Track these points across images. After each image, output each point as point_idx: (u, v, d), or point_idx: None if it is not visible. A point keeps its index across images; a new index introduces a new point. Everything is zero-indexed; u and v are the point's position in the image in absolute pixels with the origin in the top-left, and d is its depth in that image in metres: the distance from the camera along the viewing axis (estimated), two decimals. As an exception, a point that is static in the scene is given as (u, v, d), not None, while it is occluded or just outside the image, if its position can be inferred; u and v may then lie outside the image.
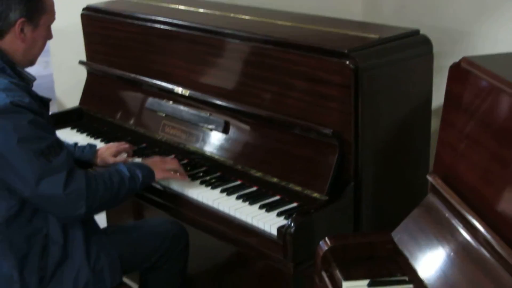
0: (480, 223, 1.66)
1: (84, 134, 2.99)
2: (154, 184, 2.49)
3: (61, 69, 3.64)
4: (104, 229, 2.43)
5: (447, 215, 1.82)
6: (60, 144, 2.15)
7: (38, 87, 2.30)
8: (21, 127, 2.05)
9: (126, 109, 2.97)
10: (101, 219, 3.50)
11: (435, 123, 2.38)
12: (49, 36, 2.30)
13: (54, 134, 2.19)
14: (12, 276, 2.15)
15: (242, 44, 2.47)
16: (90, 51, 3.18)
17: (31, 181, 2.06)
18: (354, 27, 2.45)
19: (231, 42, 2.51)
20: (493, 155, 1.67)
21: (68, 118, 3.14)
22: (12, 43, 2.19)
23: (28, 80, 2.25)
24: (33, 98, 2.15)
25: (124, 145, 2.71)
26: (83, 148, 2.65)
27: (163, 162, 2.45)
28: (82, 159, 2.63)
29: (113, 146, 2.69)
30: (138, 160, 2.68)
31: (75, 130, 3.05)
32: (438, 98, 2.28)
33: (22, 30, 2.18)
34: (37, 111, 2.12)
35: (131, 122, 2.92)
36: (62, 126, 3.09)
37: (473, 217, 1.69)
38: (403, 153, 2.37)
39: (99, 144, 2.85)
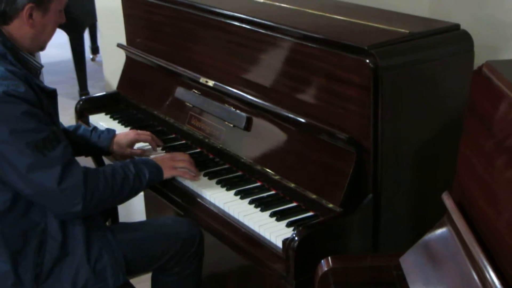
0: (491, 268, 1.39)
1: (116, 121, 2.88)
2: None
3: (110, 50, 3.54)
4: (111, 227, 2.31)
5: (457, 246, 1.56)
6: (58, 137, 2.03)
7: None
8: (13, 117, 1.95)
9: (159, 96, 2.82)
10: (141, 215, 3.43)
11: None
12: (60, 19, 2.19)
13: (54, 126, 2.08)
14: (6, 272, 2.06)
15: (264, 35, 2.26)
16: (129, 34, 3.06)
17: (23, 174, 1.96)
18: (389, 19, 2.18)
19: (254, 31, 2.30)
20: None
21: (105, 102, 3.04)
22: (20, 28, 2.09)
23: (34, 68, 2.15)
24: (33, 88, 2.03)
25: (145, 135, 2.56)
26: (100, 133, 2.54)
27: (173, 159, 2.30)
28: (99, 145, 2.52)
29: (132, 133, 2.56)
30: (159, 151, 2.54)
31: (108, 116, 2.95)
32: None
33: (30, 15, 2.08)
34: (34, 101, 2.01)
35: (162, 110, 2.78)
36: (98, 110, 3.00)
37: (485, 260, 1.41)
38: (432, 165, 2.09)
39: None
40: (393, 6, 2.43)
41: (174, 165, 2.28)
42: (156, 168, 2.22)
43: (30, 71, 2.12)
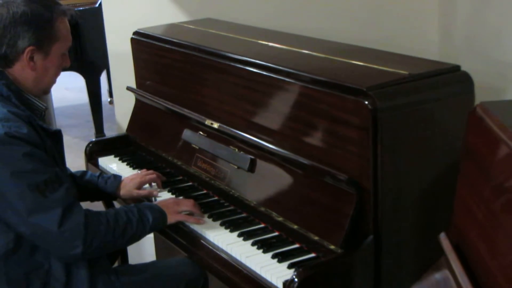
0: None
1: (125, 164, 2.91)
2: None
3: (121, 93, 3.59)
4: (116, 268, 2.31)
5: (454, 288, 1.55)
6: (60, 179, 2.05)
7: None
8: (15, 159, 1.98)
9: (167, 139, 2.85)
10: (151, 256, 3.43)
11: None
12: (64, 63, 2.22)
13: (57, 167, 2.10)
14: (8, 314, 2.07)
15: (267, 77, 2.29)
16: (138, 77, 3.11)
17: (23, 216, 1.98)
18: (389, 61, 2.19)
19: (257, 74, 2.33)
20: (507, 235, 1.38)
21: (115, 145, 3.08)
22: (21, 71, 2.13)
23: (38, 110, 2.18)
24: (36, 130, 2.07)
25: (150, 175, 2.58)
26: (107, 178, 2.56)
27: (177, 204, 2.31)
28: (106, 190, 2.54)
29: (137, 176, 2.58)
30: (165, 193, 2.56)
31: (117, 158, 2.98)
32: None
33: (31, 58, 2.11)
34: (37, 143, 2.03)
35: (170, 153, 2.80)
36: (108, 153, 3.03)
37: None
38: (433, 205, 2.08)
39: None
40: (404, 49, 2.45)
41: (178, 210, 2.28)
42: (160, 213, 2.23)
43: (34, 112, 2.15)
